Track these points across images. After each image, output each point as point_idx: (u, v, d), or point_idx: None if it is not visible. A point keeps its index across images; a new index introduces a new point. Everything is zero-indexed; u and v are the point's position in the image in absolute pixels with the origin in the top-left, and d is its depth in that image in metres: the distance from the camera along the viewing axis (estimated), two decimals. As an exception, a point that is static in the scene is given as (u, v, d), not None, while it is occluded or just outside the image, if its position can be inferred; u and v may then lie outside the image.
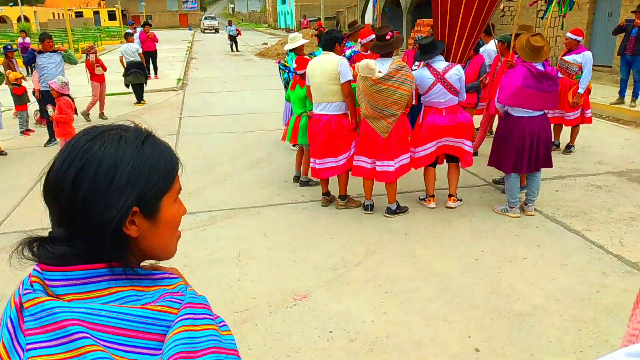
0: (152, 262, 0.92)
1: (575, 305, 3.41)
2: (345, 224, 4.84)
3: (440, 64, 4.73)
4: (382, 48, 4.65)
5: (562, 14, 5.63)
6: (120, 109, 10.98)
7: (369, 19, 27.74)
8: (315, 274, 3.90)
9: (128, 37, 12.16)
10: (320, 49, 5.10)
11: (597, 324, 3.20)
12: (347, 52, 5.68)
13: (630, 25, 8.74)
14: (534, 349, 3.00)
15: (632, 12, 9.03)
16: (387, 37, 4.59)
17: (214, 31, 51.10)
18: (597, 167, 6.33)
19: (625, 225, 4.65)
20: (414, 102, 5.01)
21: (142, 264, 0.89)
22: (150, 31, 15.02)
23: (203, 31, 51.95)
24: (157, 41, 15.28)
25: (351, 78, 4.70)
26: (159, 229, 0.86)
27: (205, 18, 56.08)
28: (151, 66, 15.34)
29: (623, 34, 9.03)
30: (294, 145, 6.17)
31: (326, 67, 4.73)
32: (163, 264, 0.93)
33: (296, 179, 5.99)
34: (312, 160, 5.09)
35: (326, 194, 5.26)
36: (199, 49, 29.44)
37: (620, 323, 3.19)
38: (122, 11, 52.96)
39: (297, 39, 6.33)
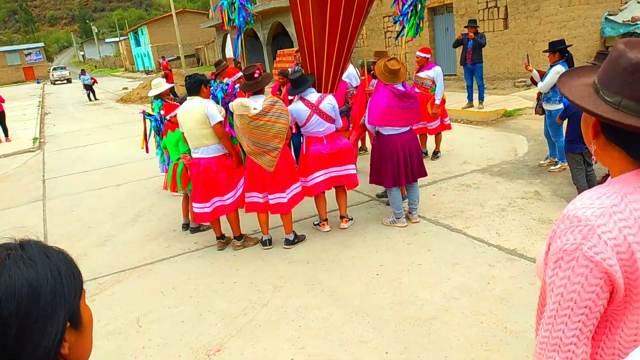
0: None
1: (473, 300, 3.68)
2: (246, 264, 4.74)
3: (312, 95, 4.91)
4: (253, 86, 4.71)
5: (411, 36, 6.18)
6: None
7: (229, 53, 27.90)
8: (225, 324, 3.75)
9: None
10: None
11: (494, 313, 3.48)
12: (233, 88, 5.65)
13: (466, 39, 9.83)
14: (446, 350, 3.17)
15: (465, 27, 10.18)
16: (256, 75, 4.66)
17: (66, 81, 48.32)
18: (464, 168, 6.97)
19: (497, 217, 5.15)
20: (293, 131, 5.12)
21: None
22: (-9, 91, 13.63)
23: (54, 83, 48.82)
24: (3, 101, 13.87)
25: (221, 119, 4.67)
26: (83, 335, 0.81)
27: (55, 69, 52.83)
28: (-1, 129, 13.89)
29: (461, 46, 10.11)
30: (175, 193, 5.95)
31: (194, 113, 4.66)
32: None
33: (185, 226, 5.76)
34: (194, 205, 4.93)
35: (221, 237, 5.12)
36: (53, 102, 27.31)
37: (512, 308, 3.51)
38: (-49, 71, 47.36)
39: (160, 85, 6.15)
